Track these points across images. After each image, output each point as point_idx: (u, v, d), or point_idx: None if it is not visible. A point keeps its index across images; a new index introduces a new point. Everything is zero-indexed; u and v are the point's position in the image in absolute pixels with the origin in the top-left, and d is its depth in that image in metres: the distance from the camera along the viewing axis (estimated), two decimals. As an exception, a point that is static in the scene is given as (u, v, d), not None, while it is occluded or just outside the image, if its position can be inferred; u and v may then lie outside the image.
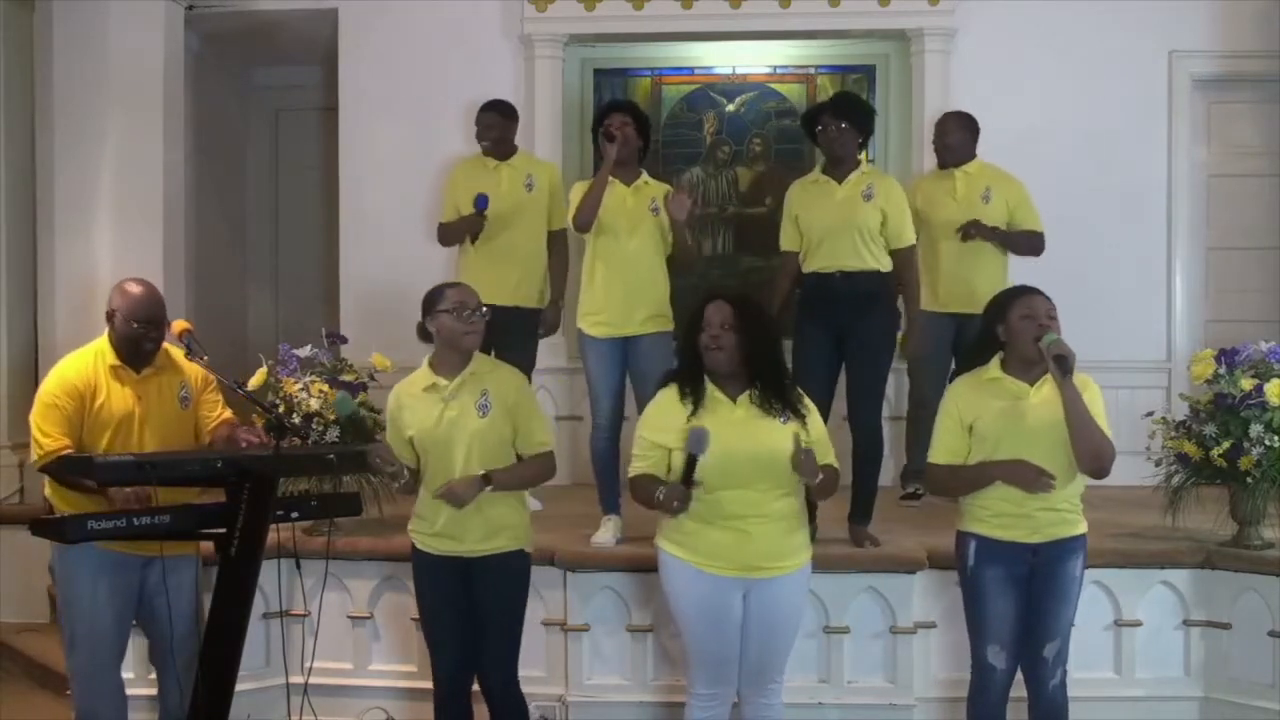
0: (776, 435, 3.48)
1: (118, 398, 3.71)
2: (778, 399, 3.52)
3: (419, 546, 3.78)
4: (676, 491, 3.44)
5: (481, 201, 5.21)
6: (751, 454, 3.47)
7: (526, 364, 5.01)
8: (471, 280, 5.33)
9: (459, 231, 5.35)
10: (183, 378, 3.83)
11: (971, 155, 5.61)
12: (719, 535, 3.49)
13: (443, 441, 3.66)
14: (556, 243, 5.41)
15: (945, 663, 4.37)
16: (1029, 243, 5.51)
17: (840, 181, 4.60)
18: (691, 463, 3.40)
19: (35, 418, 3.67)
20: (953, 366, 5.47)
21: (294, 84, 7.52)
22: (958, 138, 5.58)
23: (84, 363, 3.73)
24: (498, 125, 5.41)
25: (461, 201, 5.35)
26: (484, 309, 3.79)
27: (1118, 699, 4.39)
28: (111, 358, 3.73)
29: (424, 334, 3.79)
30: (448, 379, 3.71)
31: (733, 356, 3.51)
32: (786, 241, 4.74)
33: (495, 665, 3.74)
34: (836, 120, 4.59)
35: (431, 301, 3.77)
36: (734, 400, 3.53)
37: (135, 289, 3.76)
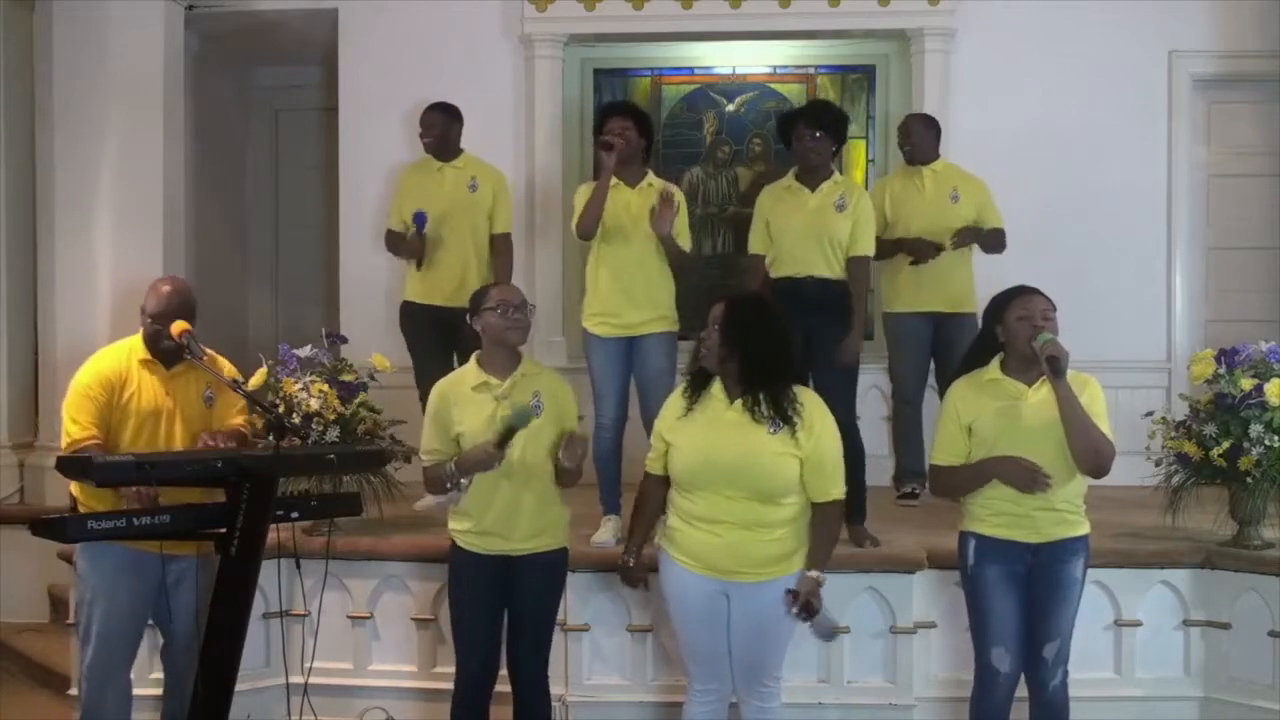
0: (758, 445, 3.45)
1: (148, 392, 3.75)
2: (768, 405, 3.47)
3: (461, 545, 3.78)
4: (633, 575, 3.82)
5: (420, 219, 5.23)
6: (727, 459, 3.45)
7: None
8: (415, 281, 5.39)
9: (399, 250, 5.42)
10: (208, 378, 3.86)
11: (935, 155, 5.63)
12: (698, 535, 3.51)
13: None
14: (499, 246, 5.42)
15: (945, 663, 4.38)
16: (999, 241, 5.57)
17: (813, 189, 4.62)
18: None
19: (68, 406, 3.71)
20: (931, 365, 5.53)
21: (294, 84, 7.53)
22: (921, 138, 5.60)
23: (117, 356, 3.79)
24: (439, 124, 5.42)
25: (405, 208, 5.40)
26: (531, 306, 3.84)
27: (1118, 699, 4.39)
28: (143, 353, 3.79)
29: (472, 335, 3.83)
30: (499, 378, 3.73)
31: (718, 355, 3.50)
32: (757, 244, 4.74)
33: (528, 660, 3.78)
34: (811, 129, 4.59)
35: (477, 301, 3.82)
36: (730, 402, 3.53)
37: (163, 287, 3.83)
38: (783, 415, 3.47)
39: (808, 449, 3.47)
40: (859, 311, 4.63)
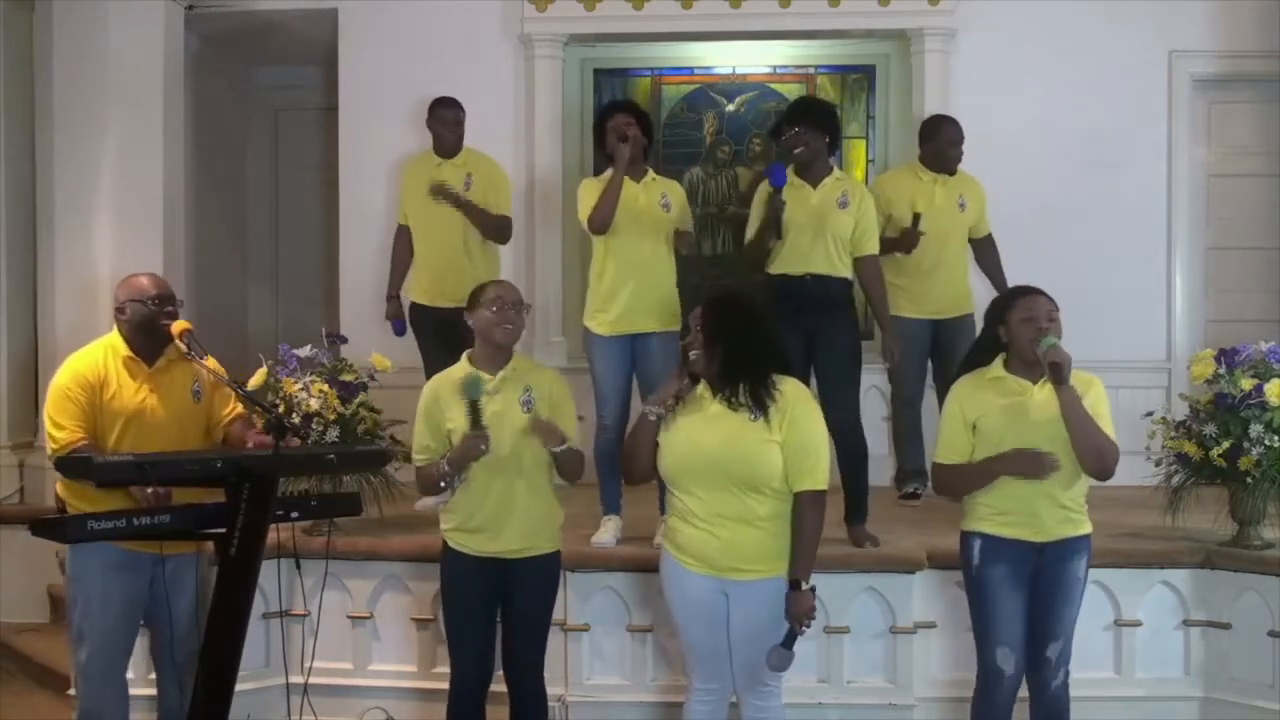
0: (739, 432, 3.44)
1: (129, 390, 3.70)
2: (745, 394, 3.45)
3: (452, 546, 3.77)
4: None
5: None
6: (710, 448, 3.44)
7: None
8: (419, 284, 5.41)
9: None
10: (195, 372, 3.83)
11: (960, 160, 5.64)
12: (695, 534, 3.50)
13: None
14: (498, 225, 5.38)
15: (945, 663, 4.38)
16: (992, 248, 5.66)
17: (815, 186, 4.61)
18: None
19: (49, 410, 3.67)
20: (929, 367, 5.53)
21: (294, 84, 7.53)
22: (958, 149, 5.58)
23: (95, 356, 3.72)
24: (461, 121, 5.42)
25: (408, 201, 5.43)
26: (527, 305, 3.83)
27: (1118, 699, 4.39)
28: (124, 349, 3.73)
29: (467, 331, 3.83)
30: (490, 374, 3.72)
31: (705, 357, 3.49)
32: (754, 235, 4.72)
33: (525, 663, 3.77)
34: (791, 125, 4.60)
35: (474, 297, 3.81)
36: (714, 396, 3.51)
37: (140, 278, 3.80)
38: (759, 402, 3.45)
39: (785, 433, 3.44)
40: (884, 308, 4.74)
